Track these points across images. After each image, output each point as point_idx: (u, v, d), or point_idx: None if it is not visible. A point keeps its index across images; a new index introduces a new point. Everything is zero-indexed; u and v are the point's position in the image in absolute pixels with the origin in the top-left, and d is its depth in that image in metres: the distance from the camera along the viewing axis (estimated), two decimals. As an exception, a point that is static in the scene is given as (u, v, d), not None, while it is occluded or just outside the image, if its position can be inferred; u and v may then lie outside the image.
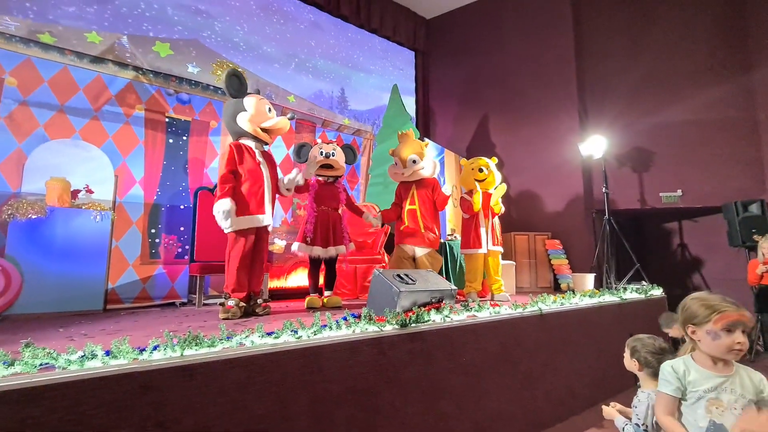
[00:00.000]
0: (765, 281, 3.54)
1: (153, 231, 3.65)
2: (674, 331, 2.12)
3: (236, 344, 1.41)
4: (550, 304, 2.69)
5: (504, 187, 3.50)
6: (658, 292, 3.79)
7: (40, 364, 1.12)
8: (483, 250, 3.35)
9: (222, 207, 2.38)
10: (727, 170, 4.56)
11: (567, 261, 4.88)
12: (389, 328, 1.78)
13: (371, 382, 1.63)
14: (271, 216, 2.60)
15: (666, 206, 4.79)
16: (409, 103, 6.13)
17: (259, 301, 2.60)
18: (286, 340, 1.51)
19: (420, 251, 3.13)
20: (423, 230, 3.13)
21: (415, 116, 6.25)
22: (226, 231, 2.48)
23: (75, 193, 3.14)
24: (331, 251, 2.99)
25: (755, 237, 3.88)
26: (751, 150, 4.52)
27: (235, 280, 2.44)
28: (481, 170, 3.49)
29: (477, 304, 2.43)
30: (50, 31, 3.32)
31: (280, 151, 4.51)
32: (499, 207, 3.44)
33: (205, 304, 3.37)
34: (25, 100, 3.17)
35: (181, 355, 1.27)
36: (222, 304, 2.46)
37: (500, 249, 3.47)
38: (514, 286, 4.39)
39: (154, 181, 3.71)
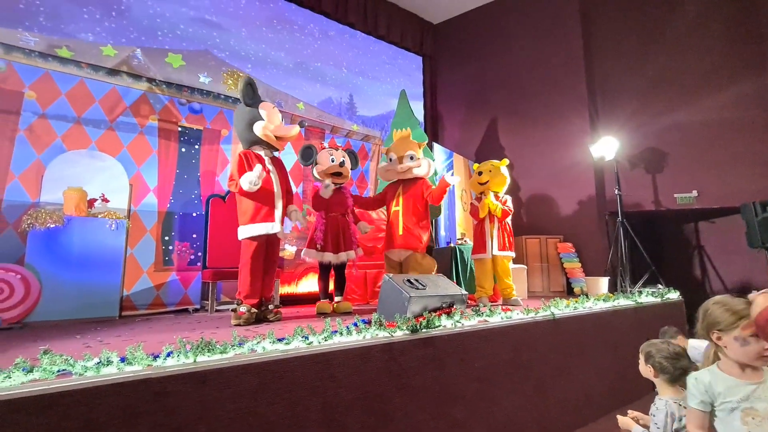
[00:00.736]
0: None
1: (166, 238, 3.71)
2: (680, 341, 2.07)
3: (248, 350, 1.42)
4: (564, 308, 2.65)
5: (491, 193, 3.42)
6: (675, 295, 3.71)
7: (58, 371, 1.15)
8: (488, 255, 3.33)
9: (247, 177, 2.35)
10: (743, 170, 4.45)
11: (580, 264, 4.81)
12: (400, 334, 1.78)
13: (382, 387, 1.63)
14: (281, 223, 2.60)
15: (681, 207, 4.70)
16: (417, 108, 6.15)
17: (271, 306, 2.61)
18: (297, 346, 1.52)
19: (403, 254, 3.03)
20: (401, 232, 3.01)
21: (423, 121, 6.26)
22: (256, 181, 2.38)
23: (91, 202, 3.21)
24: (342, 257, 3.00)
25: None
26: (769, 149, 4.42)
27: (248, 287, 2.46)
28: (480, 173, 3.48)
29: (488, 308, 2.41)
30: (67, 45, 3.42)
31: (289, 158, 4.56)
32: (498, 211, 3.33)
33: (217, 310, 3.41)
34: (43, 112, 3.27)
35: (194, 361, 1.29)
36: (234, 310, 2.48)
37: (510, 254, 3.43)
38: (526, 290, 4.35)
39: (167, 189, 3.78)
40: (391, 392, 1.65)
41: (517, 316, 2.35)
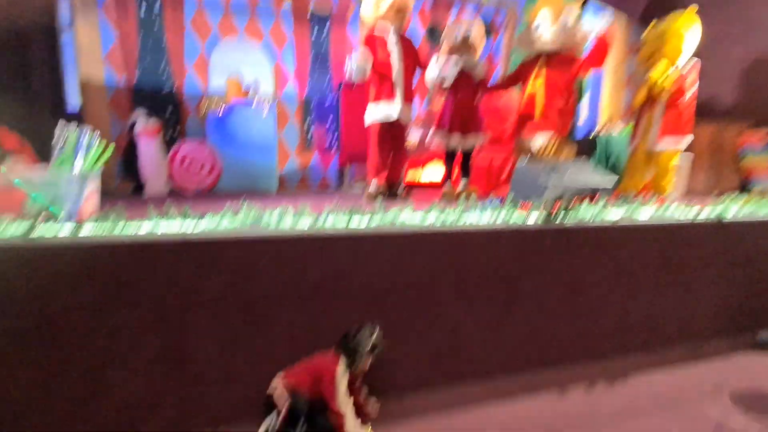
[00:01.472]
0: None
1: (306, 123, 4.08)
2: None
3: (389, 221, 1.58)
4: (736, 211, 2.20)
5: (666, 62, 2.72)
6: None
7: (251, 222, 1.47)
8: (647, 147, 2.84)
9: (354, 64, 2.54)
10: None
11: (769, 162, 3.81)
12: (533, 219, 1.75)
13: (512, 269, 1.69)
14: (402, 105, 2.61)
15: None
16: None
17: (399, 190, 2.80)
18: (432, 221, 1.62)
19: (540, 139, 2.70)
20: (540, 115, 2.67)
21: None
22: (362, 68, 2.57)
23: (245, 91, 3.61)
24: (470, 139, 2.88)
25: None
26: None
27: (376, 165, 2.68)
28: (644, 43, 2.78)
29: (637, 202, 2.15)
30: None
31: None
32: (666, 83, 2.72)
33: (352, 193, 3.77)
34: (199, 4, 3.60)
35: (347, 225, 1.50)
36: (365, 189, 2.74)
37: (676, 146, 2.85)
38: (684, 186, 3.71)
39: (303, 75, 4.01)
40: (520, 274, 1.70)
41: (670, 213, 2.06)
